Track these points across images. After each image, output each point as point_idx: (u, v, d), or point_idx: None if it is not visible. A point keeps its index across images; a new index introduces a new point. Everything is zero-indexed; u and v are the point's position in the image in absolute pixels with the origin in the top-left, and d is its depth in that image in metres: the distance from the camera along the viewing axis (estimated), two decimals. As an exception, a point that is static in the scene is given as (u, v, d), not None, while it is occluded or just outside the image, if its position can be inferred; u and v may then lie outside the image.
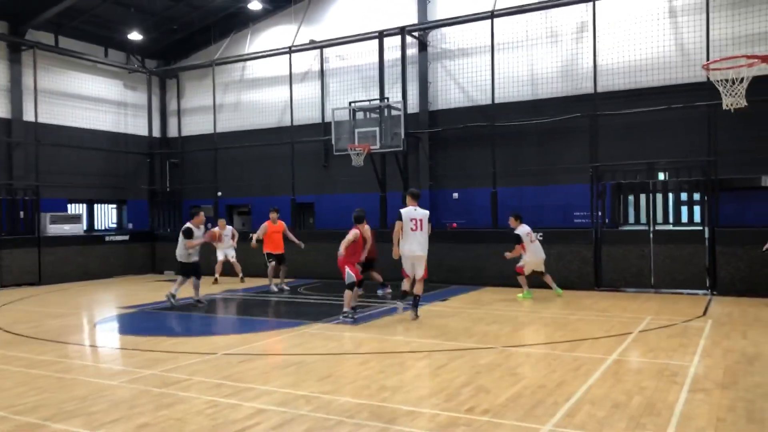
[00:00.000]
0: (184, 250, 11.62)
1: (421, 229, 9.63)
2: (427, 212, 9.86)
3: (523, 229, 12.13)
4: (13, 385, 6.38)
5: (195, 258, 11.76)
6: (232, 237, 16.30)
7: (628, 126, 13.98)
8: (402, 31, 15.93)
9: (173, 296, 11.76)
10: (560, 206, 14.81)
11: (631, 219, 14.42)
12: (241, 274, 16.04)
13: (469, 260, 14.35)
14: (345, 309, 9.78)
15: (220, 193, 19.17)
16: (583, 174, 14.01)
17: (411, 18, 16.70)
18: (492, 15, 14.78)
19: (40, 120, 17.23)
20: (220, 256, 16.11)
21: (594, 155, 13.74)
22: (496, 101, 14.89)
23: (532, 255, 12.10)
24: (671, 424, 4.87)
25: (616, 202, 14.42)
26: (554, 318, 9.83)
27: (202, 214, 11.95)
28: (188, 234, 11.48)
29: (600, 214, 13.31)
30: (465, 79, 16.14)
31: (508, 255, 12.14)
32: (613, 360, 6.98)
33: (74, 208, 19.00)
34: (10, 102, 16.89)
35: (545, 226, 14.06)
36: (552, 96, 14.98)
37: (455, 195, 16.23)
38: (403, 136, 14.97)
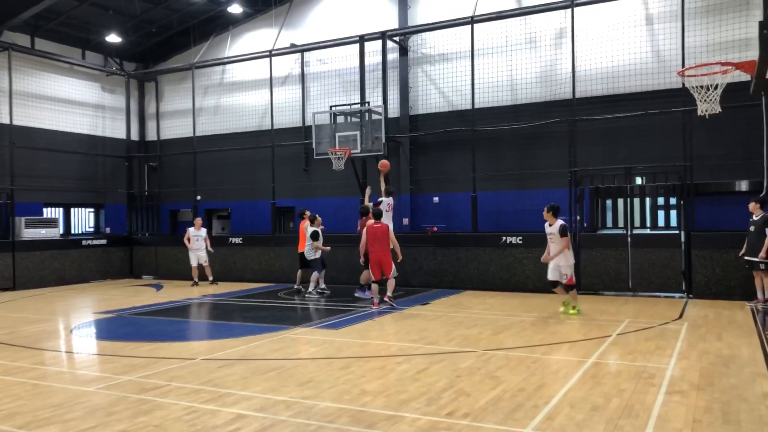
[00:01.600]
0: (312, 250, 13.50)
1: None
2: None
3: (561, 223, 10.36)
4: (-14, 392, 6.25)
5: (318, 255, 13.52)
6: (205, 239, 16.25)
7: (606, 131, 14.17)
8: (383, 35, 15.99)
9: (321, 289, 13.60)
10: (539, 210, 14.90)
11: (609, 223, 14.61)
12: (211, 278, 16.04)
13: (449, 264, 14.40)
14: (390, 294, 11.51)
15: (199, 197, 19.01)
16: (561, 178, 14.16)
17: (392, 23, 16.77)
18: (472, 21, 14.89)
19: (16, 122, 16.92)
20: (194, 261, 16.08)
21: (572, 160, 13.89)
22: (476, 106, 14.99)
23: (570, 257, 10.41)
24: (649, 425, 4.93)
25: (594, 206, 14.59)
26: (533, 321, 9.91)
27: (319, 218, 13.80)
28: (315, 236, 13.47)
29: (578, 218, 13.45)
30: (445, 83, 16.24)
31: (548, 257, 10.35)
32: (592, 363, 7.06)
33: (50, 212, 18.69)
34: (-16, 104, 16.61)
35: (524, 230, 14.19)
36: (531, 101, 15.14)
37: (435, 199, 16.30)
38: (383, 140, 14.99)
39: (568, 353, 7.58)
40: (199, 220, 16.55)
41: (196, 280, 16.12)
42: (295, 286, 14.03)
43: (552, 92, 14.91)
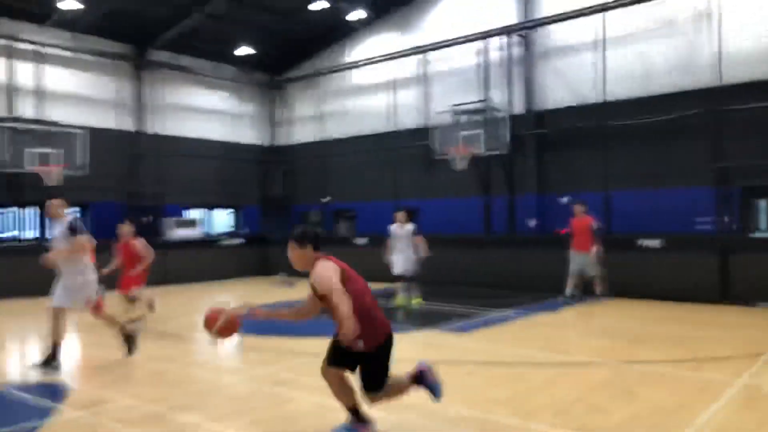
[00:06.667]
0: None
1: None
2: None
3: None
4: (143, 376, 6.89)
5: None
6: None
7: (760, 121, 12.77)
8: (505, 31, 15.59)
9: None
10: (680, 211, 13.82)
11: (764, 225, 13.16)
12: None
13: (579, 267, 13.70)
14: None
15: (329, 198, 19.63)
16: (705, 175, 12.99)
17: (514, 17, 16.29)
18: (603, 8, 14.06)
19: (162, 132, 18.57)
20: None
21: (718, 155, 12.67)
22: (607, 99, 14.16)
23: None
24: (816, 457, 4.37)
25: (746, 206, 13.20)
26: (673, 333, 9.18)
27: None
28: None
29: (727, 219, 12.25)
30: (573, 76, 15.49)
31: None
32: (743, 384, 6.37)
33: (193, 214, 20.28)
34: (136, 117, 18.40)
35: (662, 232, 13.16)
36: (669, 91, 14.01)
37: (564, 199, 15.60)
38: (507, 138, 14.63)
39: (714, 370, 6.91)
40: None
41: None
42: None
43: (693, 80, 13.70)
